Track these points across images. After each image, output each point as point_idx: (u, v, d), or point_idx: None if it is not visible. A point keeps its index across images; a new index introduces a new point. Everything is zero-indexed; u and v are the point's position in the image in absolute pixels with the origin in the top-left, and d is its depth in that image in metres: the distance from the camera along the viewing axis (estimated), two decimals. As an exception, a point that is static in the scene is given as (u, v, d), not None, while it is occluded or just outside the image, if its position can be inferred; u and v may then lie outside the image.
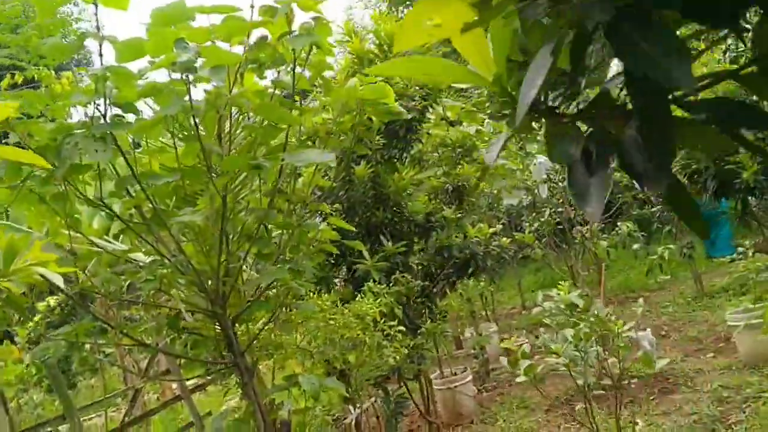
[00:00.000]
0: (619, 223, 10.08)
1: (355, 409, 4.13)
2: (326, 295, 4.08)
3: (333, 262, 4.83)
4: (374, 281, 4.34)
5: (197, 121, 2.54)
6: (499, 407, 6.44)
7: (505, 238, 5.30)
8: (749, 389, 5.19)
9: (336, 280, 4.95)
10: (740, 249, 6.33)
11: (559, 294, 4.08)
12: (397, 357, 3.91)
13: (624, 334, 3.71)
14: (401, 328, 3.94)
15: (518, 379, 3.65)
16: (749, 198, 4.41)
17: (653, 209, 11.25)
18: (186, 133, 2.72)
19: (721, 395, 5.24)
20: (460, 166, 5.19)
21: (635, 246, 10.14)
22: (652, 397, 5.67)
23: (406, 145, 5.18)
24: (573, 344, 3.59)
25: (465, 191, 5.15)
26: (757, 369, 5.62)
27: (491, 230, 5.12)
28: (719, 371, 5.96)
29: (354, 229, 3.72)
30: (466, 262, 4.97)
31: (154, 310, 3.08)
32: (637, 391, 5.68)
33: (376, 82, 3.16)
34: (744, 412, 4.76)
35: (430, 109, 5.43)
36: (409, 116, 4.98)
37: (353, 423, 4.13)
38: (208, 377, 4.32)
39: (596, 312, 3.86)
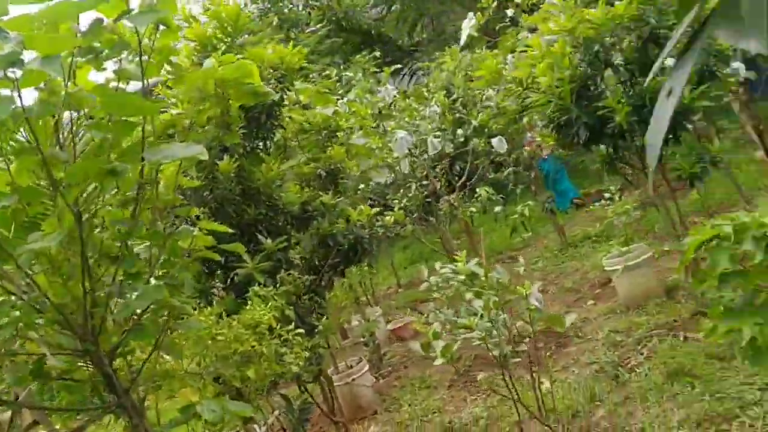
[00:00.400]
0: (477, 189, 10.16)
1: (260, 428, 3.74)
2: (208, 308, 3.66)
3: (207, 271, 4.38)
4: (259, 284, 3.97)
5: (32, 127, 2.07)
6: (400, 391, 6.25)
7: (388, 217, 5.08)
8: (639, 330, 5.30)
9: (214, 291, 4.50)
10: (607, 195, 6.52)
11: (456, 265, 3.89)
12: (300, 363, 3.57)
13: (531, 296, 3.58)
14: (300, 330, 3.59)
15: (436, 362, 3.42)
16: (620, 142, 4.44)
17: (507, 171, 11.50)
18: (15, 146, 2.23)
19: (615, 340, 5.32)
20: (330, 149, 4.88)
21: (497, 209, 10.31)
22: (548, 354, 5.68)
23: (267, 132, 4.80)
24: (485, 315, 3.41)
25: (339, 174, 4.86)
26: (641, 309, 5.78)
27: (373, 211, 4.87)
28: (604, 317, 6.09)
29: (230, 230, 3.33)
30: (351, 248, 4.69)
31: (8, 359, 2.57)
32: (531, 351, 5.68)
33: (235, 62, 2.78)
34: (641, 354, 4.84)
35: (287, 93, 5.08)
36: (269, 100, 4.63)
37: (260, 442, 3.75)
38: (79, 419, 3.78)
39: (497, 278, 3.72)
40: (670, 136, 4.30)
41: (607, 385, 4.58)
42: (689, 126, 4.22)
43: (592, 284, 7.40)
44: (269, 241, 4.33)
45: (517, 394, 3.70)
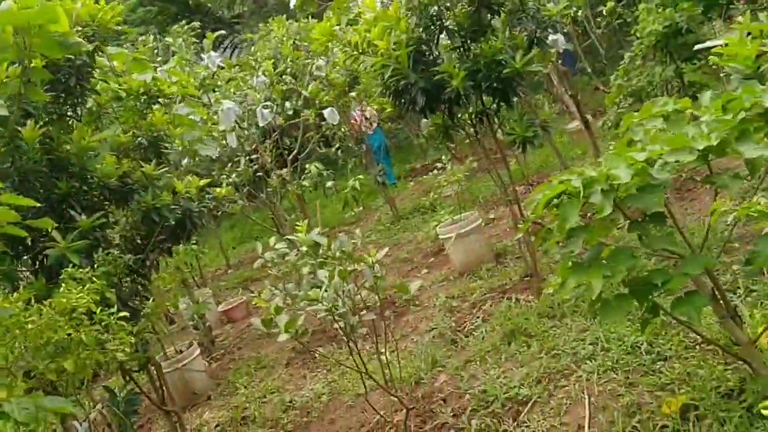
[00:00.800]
0: (307, 165, 9.98)
1: (81, 425, 3.34)
2: (14, 294, 3.20)
3: (12, 253, 3.84)
4: (74, 266, 3.52)
5: None
6: (235, 374, 5.96)
7: (218, 189, 4.75)
8: (473, 295, 5.41)
9: (20, 275, 3.97)
10: (439, 165, 6.61)
11: (297, 236, 3.70)
12: (126, 349, 3.20)
13: (377, 264, 3.48)
14: (124, 313, 3.23)
15: (279, 338, 3.21)
16: (455, 108, 4.44)
17: (336, 147, 11.41)
18: None
19: (451, 305, 5.39)
20: (150, 115, 4.46)
21: (328, 184, 10.19)
22: (386, 323, 5.66)
23: (78, 98, 4.28)
24: (330, 286, 3.25)
25: (162, 143, 4.45)
26: (473, 274, 5.91)
27: (203, 182, 4.53)
28: (439, 284, 6.18)
29: (37, 204, 2.90)
30: (179, 223, 4.32)
31: None
32: (367, 322, 5.62)
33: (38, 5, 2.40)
34: (478, 317, 4.93)
35: (99, 54, 4.58)
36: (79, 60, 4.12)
37: (82, 441, 3.34)
38: None
39: (341, 247, 3.57)
40: (502, 103, 4.37)
41: (447, 350, 4.62)
42: (520, 92, 4.30)
43: (425, 254, 7.51)
44: (84, 217, 3.87)
45: (365, 365, 3.59)
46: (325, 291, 3.24)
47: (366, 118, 10.13)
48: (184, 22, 15.11)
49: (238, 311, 8.22)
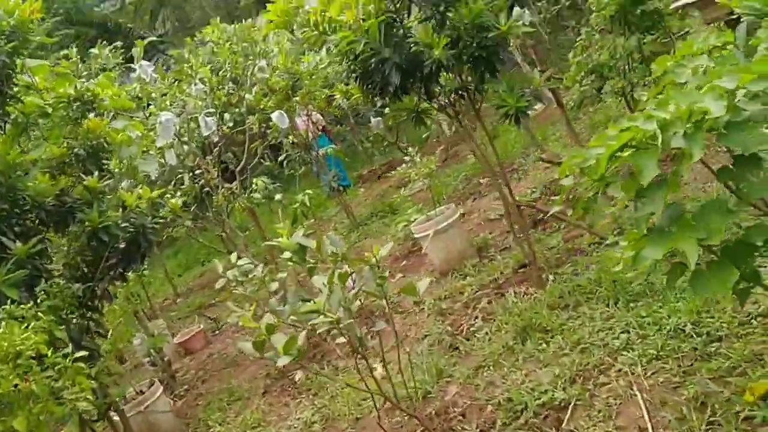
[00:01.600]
0: (254, 180, 9.36)
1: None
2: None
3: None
4: (13, 302, 2.90)
5: None
6: (206, 411, 5.33)
7: (173, 200, 4.16)
8: (464, 294, 4.93)
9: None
10: (407, 158, 6.13)
11: (279, 240, 3.16)
12: (89, 397, 2.61)
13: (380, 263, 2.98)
14: (82, 353, 2.63)
15: (278, 363, 2.65)
16: (432, 85, 3.96)
17: (284, 156, 10.82)
18: None
19: (441, 308, 4.89)
20: (86, 122, 3.86)
21: (277, 197, 9.59)
22: (371, 336, 5.13)
23: (-2, 108, 3.65)
24: (334, 293, 2.73)
25: (103, 152, 3.85)
26: (458, 272, 5.44)
27: (155, 193, 3.93)
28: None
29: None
30: (132, 243, 3.72)
31: None
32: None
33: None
34: (476, 317, 4.45)
35: (20, 56, 3.96)
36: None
37: None
38: None
39: (333, 248, 3.05)
40: (487, 73, 3.92)
41: (450, 357, 4.13)
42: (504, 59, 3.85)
43: (395, 257, 7.01)
44: (18, 244, 3.25)
45: (377, 383, 3.07)
46: (328, 300, 2.71)
47: (313, 123, 9.59)
48: (105, 42, 14.29)
49: (196, 341, 7.55)
